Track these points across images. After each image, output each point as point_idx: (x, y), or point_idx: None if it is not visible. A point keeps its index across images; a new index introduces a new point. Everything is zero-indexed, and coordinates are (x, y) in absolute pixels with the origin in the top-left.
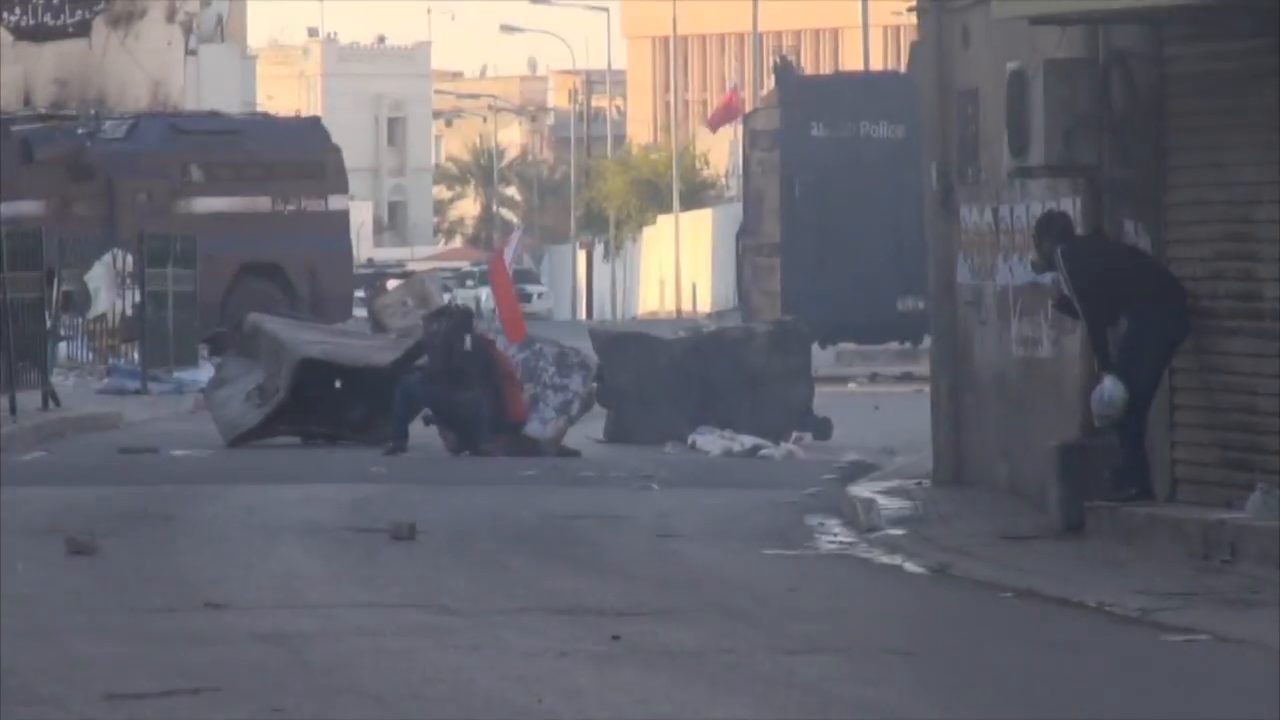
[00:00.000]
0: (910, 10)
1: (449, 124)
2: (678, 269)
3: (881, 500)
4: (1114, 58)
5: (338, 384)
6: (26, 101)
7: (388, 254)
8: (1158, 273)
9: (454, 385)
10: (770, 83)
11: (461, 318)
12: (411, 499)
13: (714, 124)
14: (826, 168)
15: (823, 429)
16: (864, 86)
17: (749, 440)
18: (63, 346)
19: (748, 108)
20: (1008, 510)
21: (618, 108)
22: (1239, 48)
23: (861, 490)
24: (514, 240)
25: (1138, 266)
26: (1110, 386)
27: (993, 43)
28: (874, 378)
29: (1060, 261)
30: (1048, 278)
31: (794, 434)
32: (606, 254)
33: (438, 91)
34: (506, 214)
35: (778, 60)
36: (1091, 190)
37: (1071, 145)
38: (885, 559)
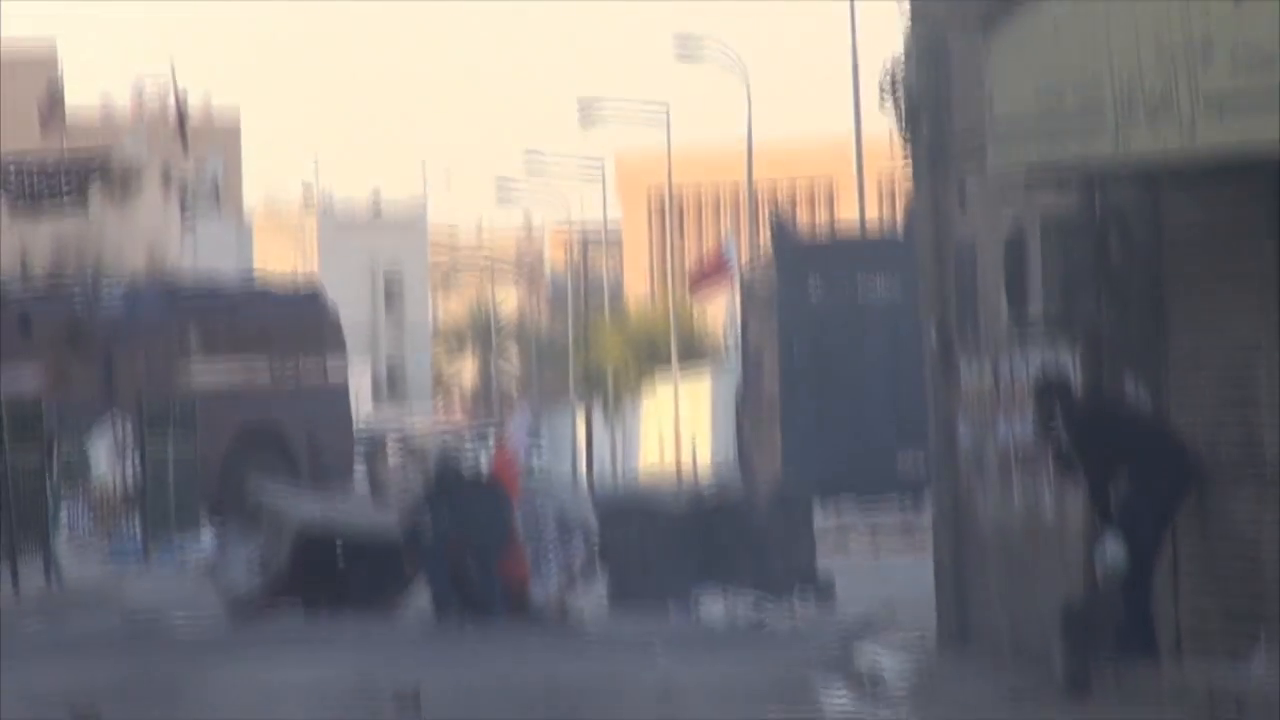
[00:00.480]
0: (905, 166)
1: (446, 285)
2: (677, 431)
3: (886, 661)
4: (1110, 214)
5: (339, 550)
6: (24, 268)
7: (387, 416)
8: (1157, 430)
9: (475, 496)
10: (766, 239)
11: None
12: (415, 667)
13: (694, 286)
14: (824, 328)
15: (825, 590)
16: (860, 248)
17: (752, 601)
18: (64, 516)
19: (743, 262)
20: (1012, 669)
21: (613, 270)
22: (1233, 205)
23: (866, 651)
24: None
25: (1137, 425)
26: (1113, 545)
27: (989, 197)
28: (876, 539)
29: (1060, 425)
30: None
31: (797, 595)
32: (606, 415)
33: (435, 261)
34: (506, 371)
35: (773, 222)
36: (1091, 345)
37: (1069, 302)
38: None
